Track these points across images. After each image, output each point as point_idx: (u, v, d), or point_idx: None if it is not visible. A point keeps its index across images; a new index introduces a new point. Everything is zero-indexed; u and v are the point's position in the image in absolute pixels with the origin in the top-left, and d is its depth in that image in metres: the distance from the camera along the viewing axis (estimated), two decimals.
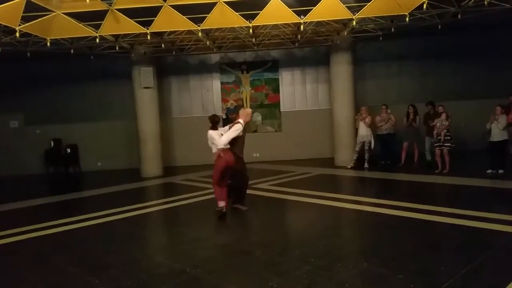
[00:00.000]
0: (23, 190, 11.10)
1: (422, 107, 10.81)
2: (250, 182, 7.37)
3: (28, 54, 10.07)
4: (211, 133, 6.63)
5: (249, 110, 7.04)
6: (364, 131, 10.80)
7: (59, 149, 13.40)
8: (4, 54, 9.97)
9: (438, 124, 9.43)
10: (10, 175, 13.41)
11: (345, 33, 10.68)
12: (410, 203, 6.83)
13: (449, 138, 9.31)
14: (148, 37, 8.84)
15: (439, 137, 9.39)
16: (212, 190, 7.20)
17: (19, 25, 7.45)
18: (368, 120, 10.74)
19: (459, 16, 9.14)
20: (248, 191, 7.38)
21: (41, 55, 10.72)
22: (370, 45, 12.66)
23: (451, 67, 12.92)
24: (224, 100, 13.49)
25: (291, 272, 4.30)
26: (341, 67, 11.60)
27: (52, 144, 13.35)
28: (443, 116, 9.35)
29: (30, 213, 8.17)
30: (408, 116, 10.71)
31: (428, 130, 10.39)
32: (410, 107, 10.74)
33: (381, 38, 10.90)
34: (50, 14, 7.70)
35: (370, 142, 10.79)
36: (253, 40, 11.23)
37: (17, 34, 7.64)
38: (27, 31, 8.02)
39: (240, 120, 6.69)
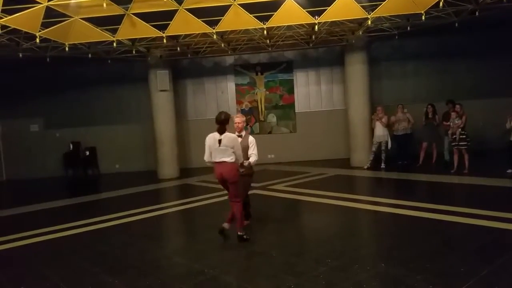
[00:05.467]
0: (43, 192, 11.34)
1: (439, 106, 10.65)
2: (266, 182, 7.36)
3: (48, 59, 10.31)
4: (237, 138, 5.45)
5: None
6: (380, 131, 10.71)
7: (78, 152, 13.63)
8: (24, 60, 10.24)
9: (451, 124, 9.33)
10: (30, 177, 13.78)
11: (360, 33, 10.60)
12: (428, 204, 6.74)
13: (464, 137, 9.16)
14: (164, 40, 8.97)
15: (454, 136, 9.27)
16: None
17: (39, 31, 7.65)
18: (384, 120, 10.66)
19: (476, 14, 8.98)
20: (265, 193, 7.40)
21: (60, 61, 10.94)
22: (385, 44, 12.53)
23: (468, 66, 12.65)
24: (239, 102, 13.54)
25: (308, 273, 4.30)
26: (356, 67, 11.51)
27: (71, 147, 13.59)
28: (453, 115, 9.25)
29: (51, 215, 8.34)
30: (427, 115, 10.56)
31: (446, 130, 10.24)
32: (429, 106, 10.57)
33: (396, 37, 10.80)
34: (68, 19, 7.86)
35: (386, 142, 10.70)
36: (267, 41, 11.25)
37: (37, 40, 7.87)
38: (46, 37, 8.23)
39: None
